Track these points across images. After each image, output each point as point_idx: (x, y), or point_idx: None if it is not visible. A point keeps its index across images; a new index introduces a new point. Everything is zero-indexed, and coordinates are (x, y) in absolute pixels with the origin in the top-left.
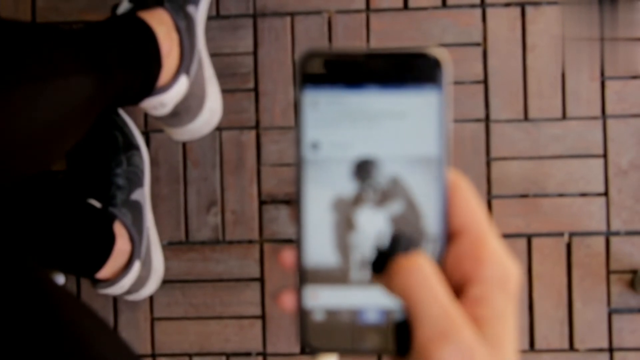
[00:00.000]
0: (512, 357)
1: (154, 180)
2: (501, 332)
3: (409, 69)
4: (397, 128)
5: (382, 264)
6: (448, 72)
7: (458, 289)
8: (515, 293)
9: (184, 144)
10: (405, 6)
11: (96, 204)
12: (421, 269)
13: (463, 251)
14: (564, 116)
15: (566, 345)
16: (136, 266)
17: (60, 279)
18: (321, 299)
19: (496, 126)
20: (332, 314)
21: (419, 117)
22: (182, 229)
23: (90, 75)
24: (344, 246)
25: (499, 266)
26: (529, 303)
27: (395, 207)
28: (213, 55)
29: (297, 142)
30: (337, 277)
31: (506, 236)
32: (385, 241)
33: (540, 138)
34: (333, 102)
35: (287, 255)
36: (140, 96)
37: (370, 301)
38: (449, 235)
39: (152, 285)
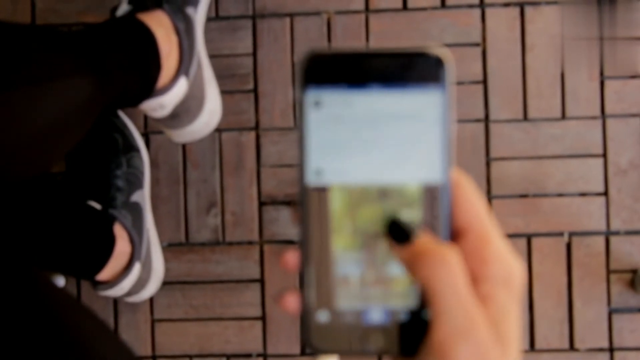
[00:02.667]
0: (516, 355)
1: (154, 181)
2: (507, 330)
3: (411, 68)
4: (400, 127)
5: (405, 235)
6: (451, 71)
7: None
8: (520, 291)
9: (184, 146)
10: (405, 6)
11: (96, 205)
12: (449, 264)
13: (467, 250)
14: (563, 116)
15: (566, 345)
16: (136, 268)
17: (60, 281)
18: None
19: (495, 126)
20: (335, 314)
21: (422, 116)
22: (182, 231)
23: (89, 77)
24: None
25: (503, 265)
26: (529, 303)
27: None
28: (212, 57)
29: (300, 142)
30: None
31: (506, 236)
32: (407, 214)
33: (540, 138)
34: (335, 102)
35: (290, 257)
36: (139, 98)
37: (376, 300)
38: (453, 235)
39: (152, 287)
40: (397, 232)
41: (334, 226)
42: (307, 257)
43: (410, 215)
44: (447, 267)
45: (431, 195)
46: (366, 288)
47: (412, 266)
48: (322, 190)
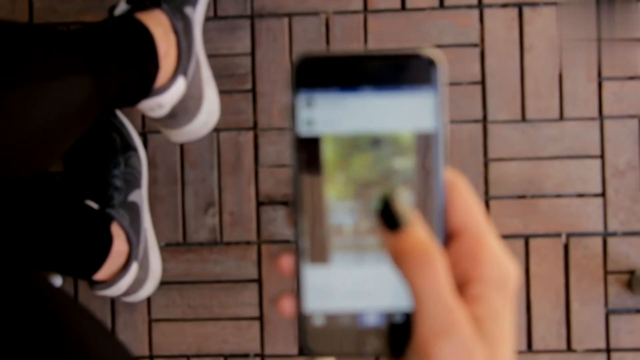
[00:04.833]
0: (509, 357)
1: (152, 181)
2: (498, 331)
3: (404, 70)
4: (392, 129)
5: (396, 223)
6: (443, 73)
7: (457, 289)
8: (514, 293)
9: (182, 145)
10: (403, 7)
11: (93, 205)
12: (432, 262)
13: (461, 251)
14: (561, 117)
15: (564, 345)
16: (134, 268)
17: (57, 280)
18: None
19: (493, 127)
20: (331, 317)
21: (415, 118)
22: (180, 230)
23: (87, 77)
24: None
25: (498, 266)
26: (526, 304)
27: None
28: (210, 57)
29: (292, 144)
30: None
31: (504, 237)
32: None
33: (538, 139)
34: (328, 105)
35: (284, 261)
36: (137, 97)
37: (369, 302)
38: (448, 236)
39: (149, 287)
40: (389, 218)
41: (327, 176)
42: (300, 208)
43: (404, 164)
44: (432, 268)
45: (425, 143)
46: (360, 237)
47: (398, 261)
48: (314, 140)
